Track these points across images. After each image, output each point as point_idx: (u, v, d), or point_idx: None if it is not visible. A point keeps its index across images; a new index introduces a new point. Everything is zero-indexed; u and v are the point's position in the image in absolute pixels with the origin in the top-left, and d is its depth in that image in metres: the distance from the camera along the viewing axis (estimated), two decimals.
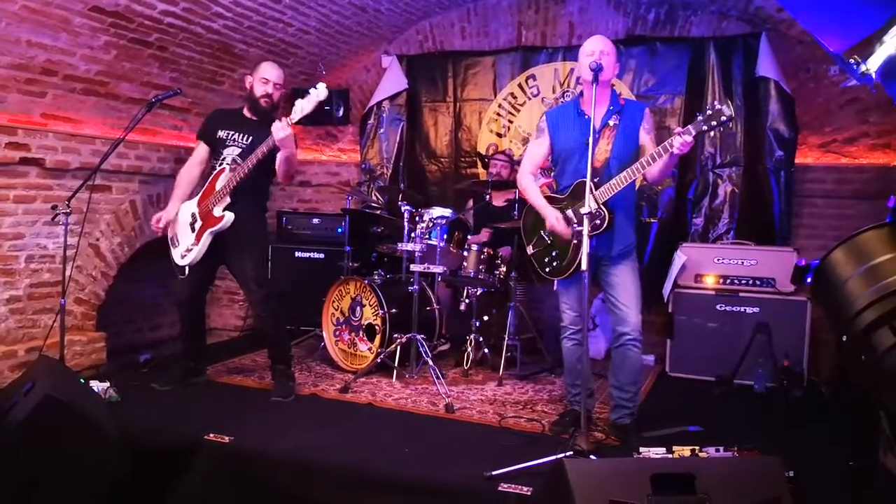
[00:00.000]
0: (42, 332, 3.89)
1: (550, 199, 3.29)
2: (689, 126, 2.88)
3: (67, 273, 3.57)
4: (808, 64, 4.64)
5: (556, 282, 3.34)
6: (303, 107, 3.43)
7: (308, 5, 4.48)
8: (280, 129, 3.44)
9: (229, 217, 3.58)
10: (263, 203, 3.85)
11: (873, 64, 1.72)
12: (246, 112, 3.79)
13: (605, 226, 3.07)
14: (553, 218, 3.19)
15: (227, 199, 3.60)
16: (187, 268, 3.69)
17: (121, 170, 4.35)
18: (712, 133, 2.78)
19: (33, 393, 2.63)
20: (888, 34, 1.66)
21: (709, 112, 2.86)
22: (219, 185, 3.60)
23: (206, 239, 3.62)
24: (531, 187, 3.36)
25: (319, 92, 3.43)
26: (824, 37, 1.84)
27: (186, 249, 3.68)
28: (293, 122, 3.45)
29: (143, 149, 4.50)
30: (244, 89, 3.84)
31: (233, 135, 3.72)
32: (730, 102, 2.86)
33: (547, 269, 3.32)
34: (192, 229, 3.67)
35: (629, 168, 3.00)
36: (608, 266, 3.20)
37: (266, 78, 3.70)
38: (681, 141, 2.84)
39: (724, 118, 2.83)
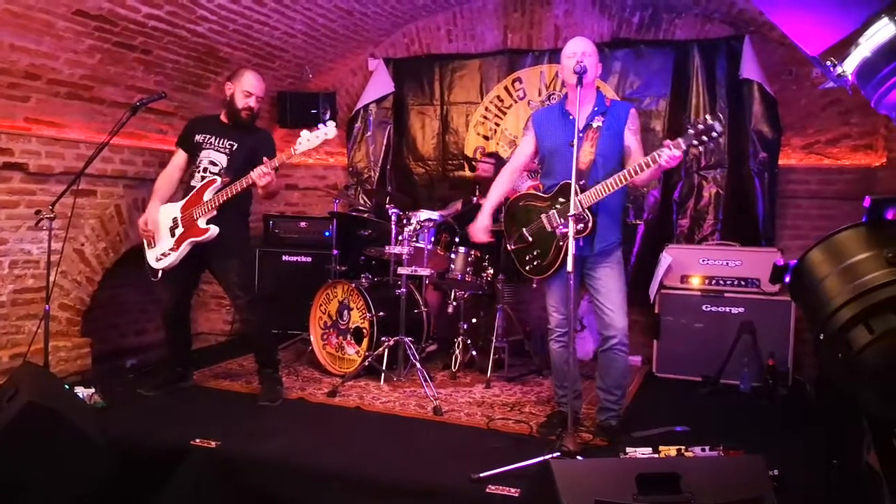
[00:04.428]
0: (26, 338, 3.86)
1: (536, 198, 3.32)
2: (680, 139, 2.88)
3: (52, 278, 3.55)
4: (790, 66, 4.69)
5: (534, 279, 3.36)
6: (308, 144, 3.42)
7: (293, 9, 4.48)
8: (261, 177, 3.43)
9: (214, 231, 3.58)
10: (246, 208, 3.84)
11: (849, 66, 1.76)
12: (223, 118, 3.77)
13: (587, 231, 3.09)
14: (476, 227, 3.42)
15: (214, 213, 3.59)
16: (160, 272, 3.68)
17: (105, 174, 4.32)
18: (701, 148, 2.80)
19: (16, 399, 2.62)
20: (863, 36, 1.69)
21: (700, 126, 2.85)
22: (206, 197, 3.59)
23: (186, 247, 3.61)
24: (497, 185, 3.49)
25: (329, 131, 3.43)
26: (801, 39, 1.87)
27: (162, 253, 3.67)
28: (297, 152, 3.44)
29: (128, 153, 4.48)
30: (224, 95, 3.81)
31: (209, 138, 3.72)
32: (721, 118, 2.85)
33: (527, 268, 3.33)
34: (172, 234, 3.66)
35: (616, 175, 3.00)
36: (591, 268, 3.22)
37: (249, 91, 3.68)
38: (669, 154, 2.84)
39: (714, 134, 2.83)
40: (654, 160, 2.90)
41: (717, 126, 2.82)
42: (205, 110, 4.64)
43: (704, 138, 2.85)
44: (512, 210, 3.45)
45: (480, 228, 3.44)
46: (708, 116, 2.88)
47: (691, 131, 2.87)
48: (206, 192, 3.60)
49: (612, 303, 3.16)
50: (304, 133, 3.45)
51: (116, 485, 2.80)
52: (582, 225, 3.06)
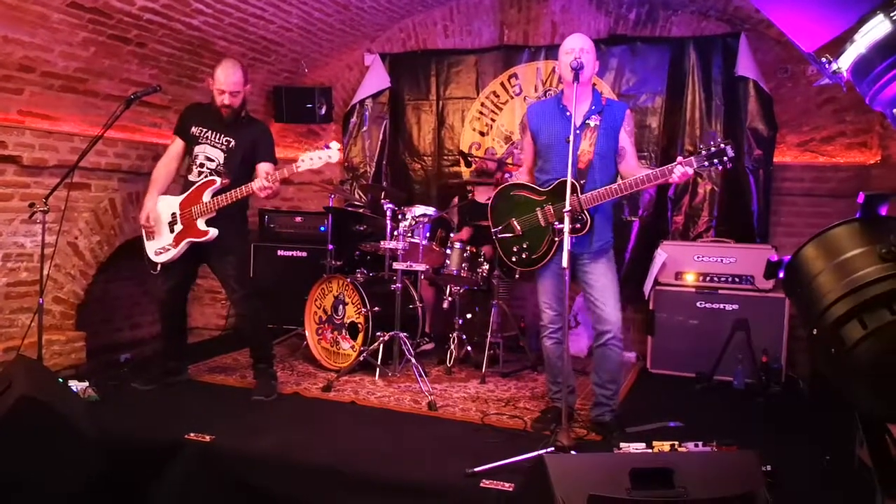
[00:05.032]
0: (20, 331, 3.84)
1: (530, 191, 3.32)
2: (692, 159, 2.92)
3: (45, 272, 3.53)
4: (786, 64, 4.70)
5: (518, 271, 3.37)
6: (310, 164, 3.40)
7: (290, 2, 4.46)
8: (262, 190, 3.43)
9: (213, 233, 3.58)
10: (244, 203, 3.82)
11: (844, 62, 1.76)
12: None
13: (584, 230, 3.10)
14: None
15: (213, 214, 3.58)
16: (159, 265, 3.68)
17: (99, 167, 4.30)
18: (711, 170, 2.90)
19: (10, 393, 2.61)
20: (859, 33, 1.70)
21: (713, 150, 2.89)
22: (206, 198, 3.58)
23: (185, 245, 3.63)
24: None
25: (332, 154, 3.40)
26: (797, 36, 1.87)
27: (162, 248, 3.67)
28: (298, 170, 3.42)
29: (122, 146, 4.46)
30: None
31: (205, 132, 3.70)
32: (733, 143, 2.91)
33: (513, 259, 3.33)
34: (171, 230, 3.66)
35: (622, 182, 3.03)
36: (585, 264, 3.23)
37: (220, 88, 3.59)
38: (681, 172, 2.89)
39: (726, 158, 2.87)
40: (663, 174, 2.93)
41: (729, 151, 2.87)
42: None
43: (716, 160, 2.90)
44: (501, 198, 3.41)
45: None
46: (720, 140, 2.92)
47: (704, 152, 2.92)
48: (206, 193, 3.58)
49: (605, 297, 3.18)
50: (307, 153, 3.42)
51: (109, 479, 2.80)
52: (579, 224, 3.07)
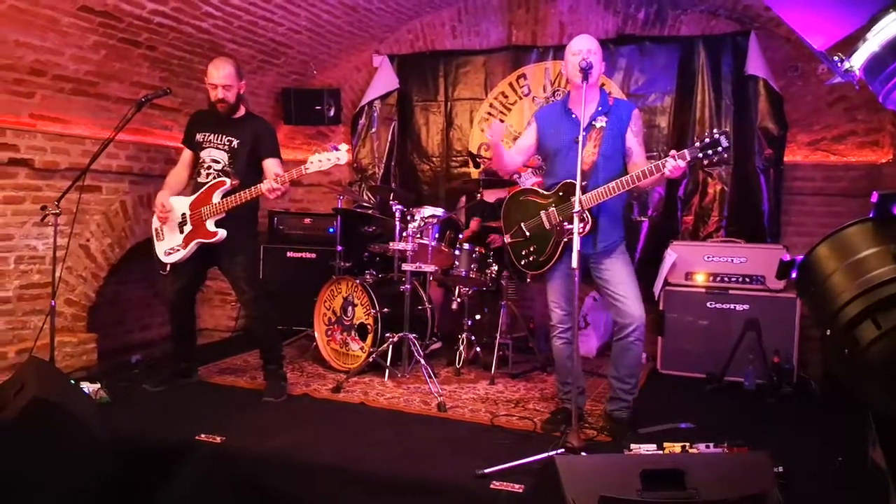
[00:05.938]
0: (32, 333, 3.87)
1: (536, 195, 3.32)
2: (685, 151, 2.90)
3: (57, 274, 3.56)
4: (796, 62, 4.67)
5: (528, 274, 3.37)
6: (319, 165, 3.40)
7: (298, 4, 4.47)
8: (271, 192, 3.44)
9: (222, 234, 3.60)
10: (254, 204, 3.84)
11: (857, 61, 1.75)
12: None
13: (585, 231, 3.09)
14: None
15: (222, 215, 3.60)
16: (169, 265, 3.71)
17: (111, 170, 4.33)
18: (706, 161, 2.88)
19: (22, 394, 2.63)
20: (871, 31, 1.69)
21: (706, 140, 2.87)
22: (215, 199, 3.59)
23: (194, 246, 3.64)
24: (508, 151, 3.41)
25: (341, 156, 3.40)
26: (808, 34, 1.86)
27: (172, 248, 3.69)
28: (307, 171, 3.42)
29: (133, 149, 4.49)
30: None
31: (209, 136, 3.73)
32: (728, 132, 2.88)
33: (522, 262, 3.34)
34: (181, 230, 3.68)
35: (619, 180, 3.02)
36: (596, 262, 3.22)
37: (212, 83, 3.63)
38: (674, 165, 2.86)
39: (720, 148, 2.85)
40: (657, 169, 2.91)
41: (724, 140, 2.84)
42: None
43: (710, 152, 2.87)
44: (512, 203, 3.45)
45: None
46: (715, 130, 2.91)
47: (697, 144, 2.90)
48: (215, 194, 3.60)
49: (625, 290, 3.16)
50: (316, 155, 3.43)
51: (121, 480, 2.81)
52: (581, 224, 3.06)
